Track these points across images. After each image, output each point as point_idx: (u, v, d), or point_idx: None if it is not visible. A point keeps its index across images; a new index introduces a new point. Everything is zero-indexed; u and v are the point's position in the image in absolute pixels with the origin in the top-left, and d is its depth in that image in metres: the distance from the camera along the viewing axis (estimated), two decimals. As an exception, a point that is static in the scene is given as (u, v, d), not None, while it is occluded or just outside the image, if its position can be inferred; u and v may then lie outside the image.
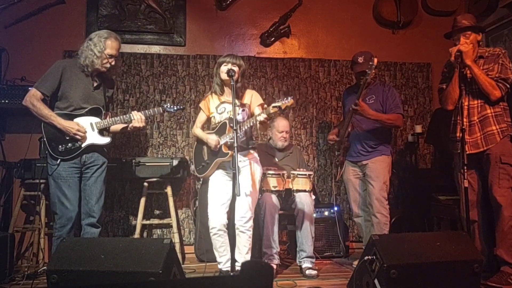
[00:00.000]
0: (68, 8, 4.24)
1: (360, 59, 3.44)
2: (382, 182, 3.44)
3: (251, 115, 3.11)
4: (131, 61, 4.29)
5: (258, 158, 3.18)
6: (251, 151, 3.13)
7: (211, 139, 3.04)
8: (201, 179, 3.87)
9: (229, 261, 3.03)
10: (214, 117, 3.13)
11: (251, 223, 3.04)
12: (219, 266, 3.12)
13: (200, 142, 3.20)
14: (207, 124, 3.28)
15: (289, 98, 2.78)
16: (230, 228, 3.01)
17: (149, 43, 4.38)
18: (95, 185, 2.96)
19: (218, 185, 3.08)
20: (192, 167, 3.84)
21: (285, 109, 2.81)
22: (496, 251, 2.96)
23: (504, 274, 2.89)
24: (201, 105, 3.22)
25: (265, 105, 2.92)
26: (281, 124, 3.79)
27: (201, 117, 3.22)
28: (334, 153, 3.80)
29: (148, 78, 4.30)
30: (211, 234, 3.06)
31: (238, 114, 3.01)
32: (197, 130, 3.21)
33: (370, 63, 3.21)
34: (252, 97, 3.15)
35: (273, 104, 2.80)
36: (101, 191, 3.00)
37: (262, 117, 2.83)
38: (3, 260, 3.08)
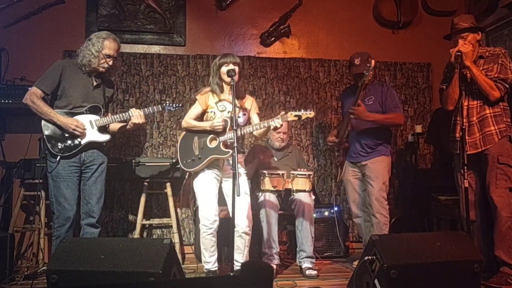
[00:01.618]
0: (68, 8, 4.24)
1: (357, 61, 3.44)
2: (382, 182, 3.43)
3: (249, 121, 3.15)
4: (131, 61, 4.28)
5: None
6: (241, 155, 3.15)
7: (216, 121, 2.95)
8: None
9: (217, 262, 3.07)
10: (214, 112, 3.06)
11: (251, 223, 3.06)
12: (207, 267, 3.05)
13: (190, 134, 3.09)
14: (201, 118, 3.20)
15: (310, 110, 2.80)
16: (223, 229, 3.04)
17: (149, 43, 4.38)
18: (95, 186, 2.97)
19: (208, 186, 3.03)
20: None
21: (304, 120, 2.80)
22: (495, 252, 2.96)
23: (503, 274, 2.89)
24: (198, 97, 3.11)
25: (282, 112, 2.90)
26: (280, 125, 3.79)
27: (196, 110, 3.11)
28: (334, 154, 3.79)
29: (148, 78, 4.30)
30: (204, 234, 2.99)
31: (239, 117, 3.04)
32: (191, 120, 3.09)
33: (368, 64, 3.20)
34: (252, 104, 3.17)
35: (294, 113, 2.78)
36: (101, 191, 3.00)
37: (277, 123, 2.83)
38: (3, 260, 3.08)
